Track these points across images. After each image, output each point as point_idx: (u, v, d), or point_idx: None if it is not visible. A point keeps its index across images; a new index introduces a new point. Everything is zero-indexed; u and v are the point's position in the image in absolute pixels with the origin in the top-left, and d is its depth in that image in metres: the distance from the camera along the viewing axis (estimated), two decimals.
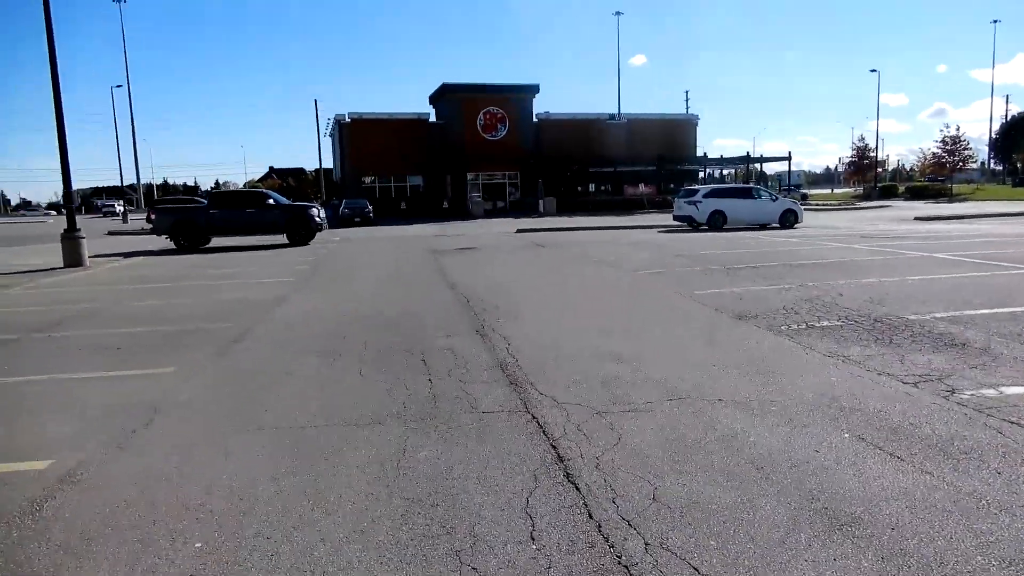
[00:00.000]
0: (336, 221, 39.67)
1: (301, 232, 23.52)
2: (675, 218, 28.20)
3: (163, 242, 23.45)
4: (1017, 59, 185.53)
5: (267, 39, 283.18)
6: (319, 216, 23.74)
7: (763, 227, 26.72)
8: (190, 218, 22.85)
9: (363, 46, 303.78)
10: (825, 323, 7.78)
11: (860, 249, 15.92)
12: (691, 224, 27.28)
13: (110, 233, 34.87)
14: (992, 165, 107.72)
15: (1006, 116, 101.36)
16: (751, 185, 33.98)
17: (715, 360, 6.41)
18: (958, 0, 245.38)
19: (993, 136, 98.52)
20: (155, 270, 16.72)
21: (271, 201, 23.46)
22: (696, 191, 27.32)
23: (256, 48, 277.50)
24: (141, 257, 20.91)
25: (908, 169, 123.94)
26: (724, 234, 23.47)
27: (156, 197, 70.42)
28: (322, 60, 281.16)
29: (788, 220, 26.69)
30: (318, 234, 25.18)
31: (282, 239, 23.88)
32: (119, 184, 70.04)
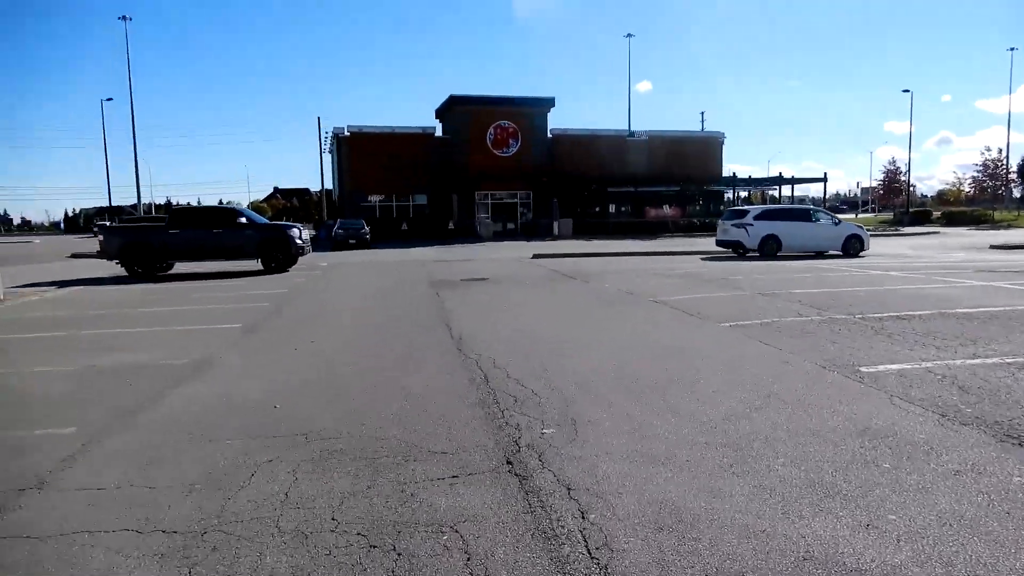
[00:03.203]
0: (330, 243, 35.93)
1: (278, 257, 19.64)
2: (719, 243, 24.26)
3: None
4: (1022, 89, 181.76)
5: (273, 56, 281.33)
6: (300, 238, 19.86)
7: (820, 255, 22.80)
8: (143, 240, 18.97)
9: (370, 63, 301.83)
10: None
11: (1010, 289, 11.95)
12: (737, 251, 23.36)
13: (73, 256, 31.07)
14: (1017, 193, 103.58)
15: None
16: (808, 206, 30.04)
17: None
18: (963, 32, 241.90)
19: (1020, 162, 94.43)
20: (73, 308, 12.84)
21: (243, 220, 19.60)
22: (746, 212, 23.41)
23: (262, 65, 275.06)
24: (80, 287, 17.03)
25: (920, 195, 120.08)
26: (784, 263, 19.51)
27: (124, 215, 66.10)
28: (328, 77, 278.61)
29: (853, 247, 22.72)
30: (302, 259, 21.34)
31: (258, 264, 19.99)
32: (107, 204, 66.23)
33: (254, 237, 19.40)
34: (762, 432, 4.65)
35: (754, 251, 22.60)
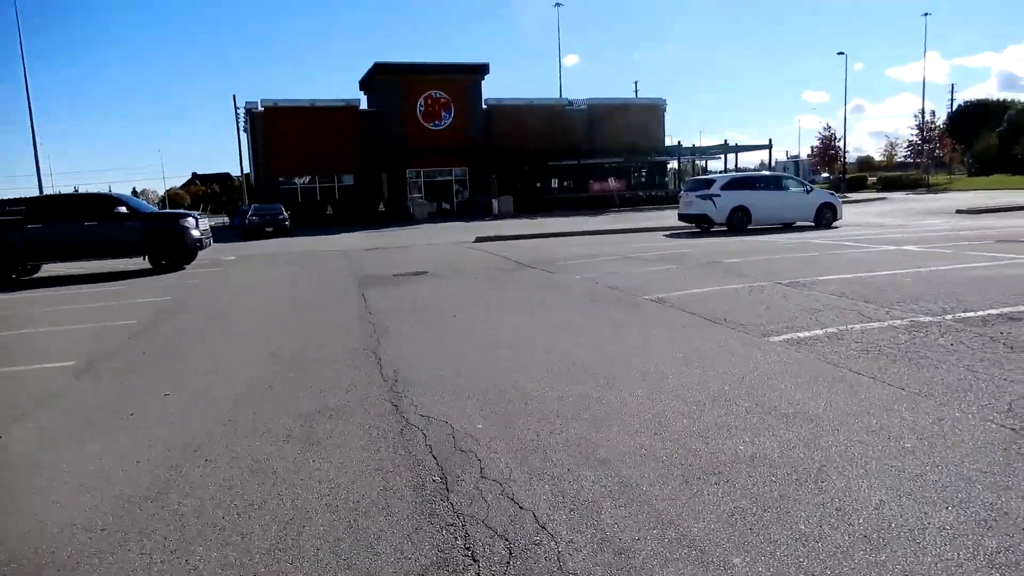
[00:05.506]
0: (244, 232, 32.08)
1: (171, 253, 16.19)
2: (681, 217, 21.91)
3: None
4: (929, 56, 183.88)
5: (185, 30, 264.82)
6: (197, 229, 16.44)
7: (788, 226, 20.77)
8: None
9: (289, 31, 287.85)
10: None
11: None
12: (701, 225, 21.09)
13: None
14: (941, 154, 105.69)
15: (951, 105, 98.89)
16: (779, 173, 28.04)
17: None
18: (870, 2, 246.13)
19: (941, 125, 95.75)
20: None
21: (123, 209, 16.02)
22: (711, 182, 21.05)
23: (172, 40, 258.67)
24: None
25: (848, 162, 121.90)
26: (764, 238, 17.28)
27: None
28: (245, 51, 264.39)
29: (825, 217, 20.71)
30: (204, 252, 17.91)
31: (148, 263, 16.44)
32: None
33: (138, 229, 15.89)
34: None
35: (721, 225, 20.35)
